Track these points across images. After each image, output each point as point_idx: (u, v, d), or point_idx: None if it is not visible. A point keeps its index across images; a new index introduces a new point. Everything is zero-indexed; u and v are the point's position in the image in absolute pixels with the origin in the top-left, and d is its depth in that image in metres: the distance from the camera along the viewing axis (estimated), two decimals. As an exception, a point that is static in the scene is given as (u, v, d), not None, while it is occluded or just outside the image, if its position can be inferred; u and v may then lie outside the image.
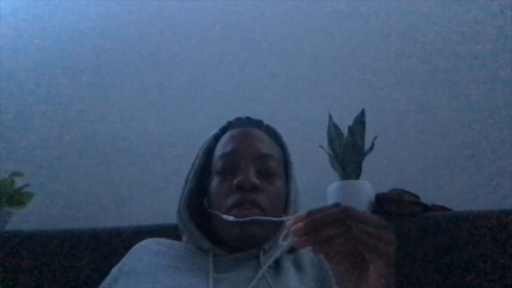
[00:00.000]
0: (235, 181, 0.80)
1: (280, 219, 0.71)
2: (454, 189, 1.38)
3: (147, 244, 0.85)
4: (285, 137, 0.95)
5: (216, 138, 0.92)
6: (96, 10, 1.78)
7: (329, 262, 0.60)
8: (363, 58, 1.60)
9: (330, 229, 0.53)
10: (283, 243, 0.57)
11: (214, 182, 0.85)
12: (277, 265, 0.79)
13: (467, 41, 1.56)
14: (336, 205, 0.55)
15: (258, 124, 0.92)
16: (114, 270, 0.83)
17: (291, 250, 0.83)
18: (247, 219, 0.76)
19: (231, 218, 0.77)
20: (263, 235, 0.80)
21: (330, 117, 1.29)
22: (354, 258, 0.57)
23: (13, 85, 1.71)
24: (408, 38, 1.60)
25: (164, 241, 0.88)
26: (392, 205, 1.09)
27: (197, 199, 0.88)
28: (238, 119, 0.93)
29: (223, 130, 0.92)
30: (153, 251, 0.82)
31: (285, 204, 0.86)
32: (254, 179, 0.80)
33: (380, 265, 0.54)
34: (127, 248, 0.87)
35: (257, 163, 0.83)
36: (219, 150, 0.88)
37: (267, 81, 1.61)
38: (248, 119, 0.93)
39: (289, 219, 0.57)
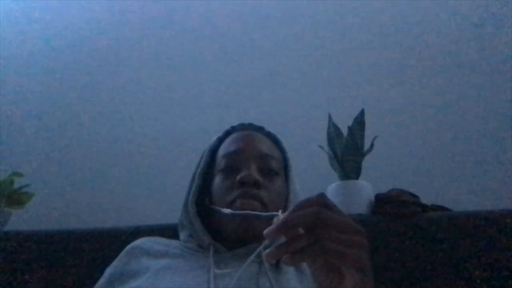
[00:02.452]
0: (238, 177, 0.82)
1: (273, 213, 0.72)
2: (453, 189, 1.38)
3: (144, 244, 0.85)
4: (285, 138, 0.97)
5: (220, 141, 0.95)
6: (96, 10, 1.78)
7: (309, 269, 0.60)
8: (362, 58, 1.60)
9: (299, 240, 0.53)
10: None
11: (217, 179, 0.87)
12: (277, 265, 0.79)
13: (467, 41, 1.57)
14: (317, 199, 0.55)
15: (260, 129, 0.96)
16: (109, 270, 0.83)
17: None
18: (243, 212, 0.78)
19: (228, 211, 0.79)
20: (263, 229, 0.80)
21: (330, 117, 1.29)
22: (333, 264, 0.56)
23: (12, 85, 1.71)
24: (408, 38, 1.60)
25: (162, 240, 0.88)
26: (392, 205, 1.09)
27: (199, 198, 0.90)
28: (241, 124, 0.97)
29: (227, 133, 0.96)
30: (150, 252, 0.82)
31: (284, 205, 0.87)
32: (257, 175, 0.83)
33: (354, 272, 0.53)
34: (127, 248, 0.87)
35: (259, 162, 0.86)
36: (222, 150, 0.91)
37: (267, 81, 1.61)
38: (251, 124, 0.97)
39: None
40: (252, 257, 0.69)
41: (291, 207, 0.85)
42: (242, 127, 0.96)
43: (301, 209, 0.54)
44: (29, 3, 1.82)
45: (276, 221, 0.56)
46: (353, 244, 0.53)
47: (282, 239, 0.55)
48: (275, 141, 0.95)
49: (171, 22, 1.74)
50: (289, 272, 0.77)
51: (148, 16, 1.75)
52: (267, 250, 0.55)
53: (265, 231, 0.55)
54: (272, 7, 1.71)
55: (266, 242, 0.80)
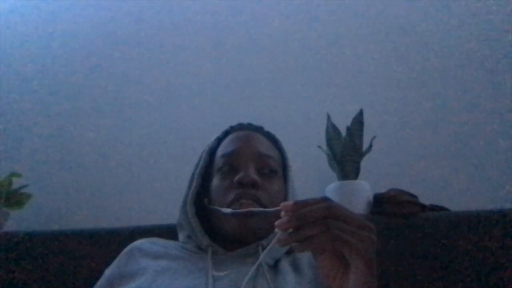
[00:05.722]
0: (236, 177, 0.82)
1: (275, 209, 0.73)
2: (452, 189, 1.38)
3: (142, 245, 0.85)
4: (284, 138, 0.97)
5: (219, 141, 0.95)
6: (96, 8, 1.78)
7: (315, 260, 0.61)
8: (361, 58, 1.60)
9: (311, 227, 0.54)
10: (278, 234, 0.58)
11: (215, 180, 0.87)
12: (275, 266, 0.79)
13: (466, 41, 1.57)
14: (324, 199, 0.56)
15: (259, 129, 0.96)
16: (108, 272, 0.83)
17: (289, 251, 0.84)
18: (244, 210, 0.78)
19: (228, 210, 0.79)
20: (262, 230, 0.81)
21: (329, 117, 1.30)
22: (339, 256, 0.58)
23: (11, 85, 1.71)
24: (407, 38, 1.60)
25: (160, 241, 0.88)
26: (390, 205, 1.10)
27: (198, 199, 0.89)
28: (240, 124, 0.97)
29: (225, 133, 0.96)
30: (149, 253, 0.82)
31: None
32: (255, 176, 0.82)
33: (360, 264, 0.55)
34: (126, 248, 0.87)
35: (257, 162, 0.86)
36: (221, 150, 0.90)
37: (265, 81, 1.61)
38: (250, 124, 0.96)
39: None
40: (254, 267, 0.70)
41: None
42: (241, 127, 0.96)
43: (310, 204, 0.55)
44: (29, 3, 1.82)
45: (284, 214, 0.56)
46: (362, 238, 0.55)
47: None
48: (274, 141, 0.95)
49: (170, 22, 1.74)
50: (287, 273, 0.77)
51: (148, 15, 1.75)
52: (278, 236, 0.56)
53: (277, 223, 0.56)
54: (271, 6, 1.71)
55: (263, 242, 0.81)
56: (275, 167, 0.88)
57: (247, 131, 0.94)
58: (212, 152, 0.93)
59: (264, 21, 1.69)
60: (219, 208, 0.81)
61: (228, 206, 0.81)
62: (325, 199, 0.56)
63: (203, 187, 0.91)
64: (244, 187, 0.81)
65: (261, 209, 0.79)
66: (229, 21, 1.71)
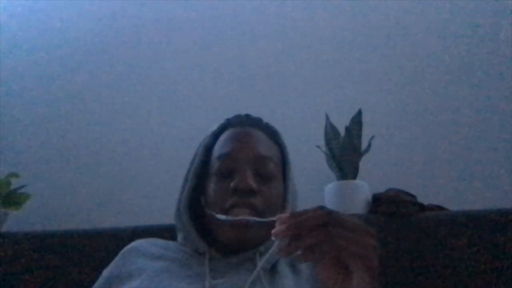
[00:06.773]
0: (232, 184, 0.79)
1: (270, 219, 0.72)
2: (450, 189, 1.39)
3: (140, 246, 0.84)
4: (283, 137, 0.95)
5: (215, 136, 0.91)
6: (95, 8, 1.77)
7: (315, 267, 0.60)
8: (360, 58, 1.60)
9: (311, 236, 0.53)
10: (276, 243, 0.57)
11: (212, 183, 0.84)
12: (273, 268, 0.78)
13: (465, 41, 1.57)
14: (320, 208, 0.55)
15: (257, 122, 0.91)
16: (105, 273, 0.82)
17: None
18: (238, 218, 0.76)
19: (223, 217, 0.77)
20: (259, 237, 0.79)
21: (327, 117, 1.30)
22: (339, 263, 0.56)
23: (10, 86, 1.71)
24: (406, 38, 1.60)
25: (158, 242, 0.87)
26: (389, 205, 1.10)
27: (194, 198, 0.87)
28: (237, 116, 0.92)
29: (222, 128, 0.92)
30: (147, 253, 0.81)
31: (282, 205, 0.85)
32: (251, 182, 0.79)
33: (362, 271, 0.54)
34: (125, 249, 0.86)
35: (254, 165, 0.82)
36: (217, 150, 0.86)
37: (264, 81, 1.61)
38: (247, 117, 0.92)
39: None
40: (251, 278, 0.70)
41: (289, 209, 0.84)
42: (238, 120, 0.91)
43: (307, 212, 0.54)
44: (29, 3, 1.81)
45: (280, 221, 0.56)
46: (365, 245, 0.54)
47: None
48: (274, 135, 0.91)
49: (167, 21, 1.73)
50: (286, 275, 0.76)
51: (145, 15, 1.75)
52: (278, 244, 0.55)
53: (273, 231, 0.55)
54: (270, 6, 1.71)
55: (261, 249, 0.79)
56: (274, 169, 0.84)
57: (245, 127, 0.89)
58: (209, 148, 0.89)
59: (263, 20, 1.69)
60: (214, 214, 0.79)
61: (224, 213, 0.78)
62: (322, 207, 0.55)
63: (200, 185, 0.87)
64: (240, 194, 0.78)
65: (256, 219, 0.76)
66: (227, 20, 1.71)
